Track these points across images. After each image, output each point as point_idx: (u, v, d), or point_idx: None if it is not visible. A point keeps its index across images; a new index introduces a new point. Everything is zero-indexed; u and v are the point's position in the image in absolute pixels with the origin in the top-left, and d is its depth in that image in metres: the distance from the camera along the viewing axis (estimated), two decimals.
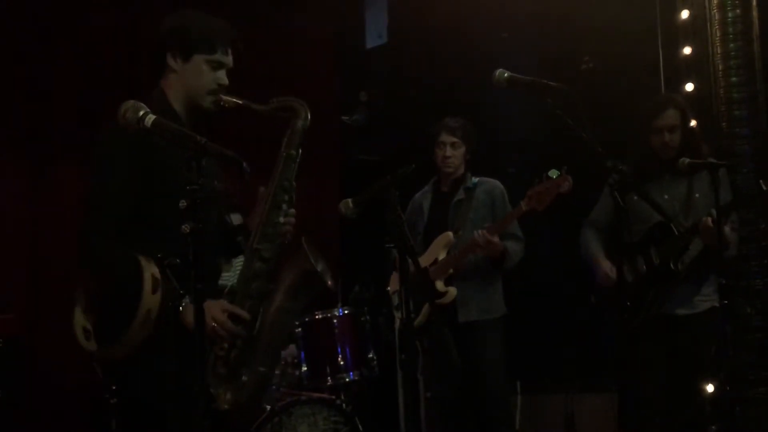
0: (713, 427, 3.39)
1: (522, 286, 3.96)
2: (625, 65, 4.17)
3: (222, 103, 2.11)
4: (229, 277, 2.94)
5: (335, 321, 3.40)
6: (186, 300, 1.92)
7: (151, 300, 1.90)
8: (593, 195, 3.37)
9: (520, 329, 3.73)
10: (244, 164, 2.26)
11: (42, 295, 3.86)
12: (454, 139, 3.49)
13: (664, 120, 3.12)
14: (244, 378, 2.04)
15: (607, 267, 3.14)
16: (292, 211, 2.14)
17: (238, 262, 2.47)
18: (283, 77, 4.38)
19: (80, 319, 2.02)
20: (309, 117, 2.15)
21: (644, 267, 3.11)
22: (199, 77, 2.09)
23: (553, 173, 3.13)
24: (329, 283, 2.14)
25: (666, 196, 3.13)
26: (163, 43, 2.11)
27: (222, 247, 2.26)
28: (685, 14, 3.94)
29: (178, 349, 1.84)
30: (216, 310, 1.99)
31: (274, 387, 3.29)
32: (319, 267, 2.13)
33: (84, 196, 2.05)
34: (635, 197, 3.02)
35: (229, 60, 2.14)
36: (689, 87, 3.90)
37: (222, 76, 2.12)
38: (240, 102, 2.12)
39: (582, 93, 3.83)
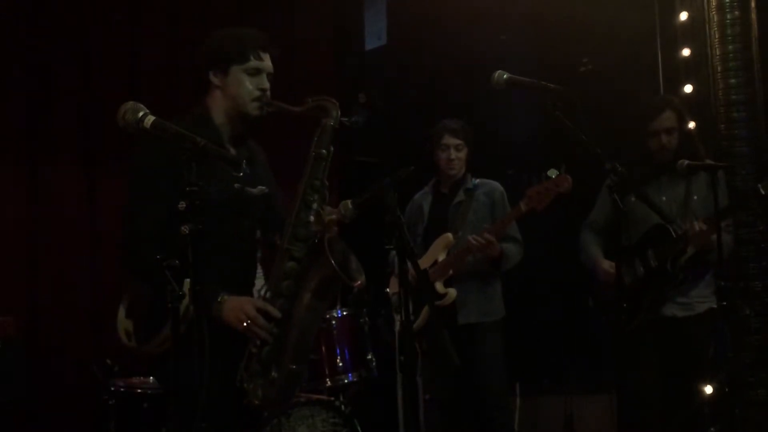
0: (712, 429, 3.39)
1: (521, 288, 3.96)
2: (624, 67, 4.17)
3: (266, 108, 2.19)
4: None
5: (334, 322, 3.39)
6: (224, 297, 2.03)
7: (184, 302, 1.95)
8: (593, 196, 3.38)
9: (519, 331, 3.73)
10: (243, 164, 2.29)
11: (40, 298, 3.86)
12: (458, 142, 3.49)
13: (661, 122, 3.13)
14: (274, 374, 2.09)
15: (607, 265, 3.14)
16: (329, 209, 2.18)
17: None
18: (282, 79, 4.37)
19: (123, 322, 2.12)
20: (339, 116, 2.21)
21: (642, 269, 3.11)
22: (241, 87, 2.19)
23: (552, 173, 3.14)
24: (358, 282, 2.17)
25: (664, 198, 3.14)
26: (203, 65, 2.23)
27: (253, 257, 2.30)
28: (683, 16, 3.95)
29: (213, 344, 1.89)
30: (249, 306, 2.07)
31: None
32: (349, 265, 2.16)
33: (124, 204, 2.15)
34: (633, 199, 3.03)
35: (265, 64, 2.23)
36: (688, 89, 3.91)
37: (262, 81, 2.21)
38: (280, 106, 2.20)
39: (581, 95, 3.85)
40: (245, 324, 2.05)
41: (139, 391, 3.11)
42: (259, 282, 2.85)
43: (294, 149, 2.40)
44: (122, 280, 2.21)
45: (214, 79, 2.21)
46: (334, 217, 2.19)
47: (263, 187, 2.27)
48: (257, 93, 2.19)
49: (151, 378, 3.18)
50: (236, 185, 2.18)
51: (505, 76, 2.44)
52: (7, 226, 3.85)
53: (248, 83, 2.18)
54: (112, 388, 3.16)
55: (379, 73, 5.12)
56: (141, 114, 1.78)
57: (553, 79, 2.44)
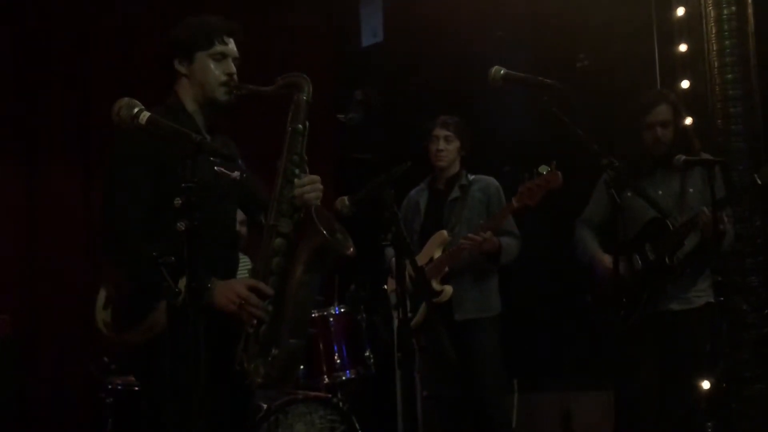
0: (709, 424, 3.40)
1: (518, 284, 3.96)
2: (620, 63, 4.16)
3: (235, 92, 2.16)
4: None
5: (331, 319, 3.39)
6: (214, 282, 2.01)
7: None
8: (589, 191, 3.38)
9: (516, 327, 3.73)
10: (240, 161, 2.29)
11: (36, 296, 3.86)
12: (447, 133, 3.50)
13: (656, 116, 3.13)
14: (274, 352, 2.08)
15: (606, 260, 3.14)
16: (314, 177, 2.15)
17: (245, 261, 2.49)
18: (278, 75, 4.37)
19: (100, 312, 2.10)
20: (311, 90, 2.18)
21: (640, 263, 3.11)
22: (207, 72, 2.16)
23: (543, 169, 3.15)
24: (350, 251, 2.15)
25: (660, 192, 3.14)
26: (167, 54, 2.20)
27: (236, 241, 2.29)
28: (680, 11, 3.94)
29: (205, 331, 1.86)
30: (240, 287, 2.05)
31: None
32: (336, 234, 2.14)
33: (103, 198, 2.11)
34: (629, 194, 3.02)
35: (230, 49, 2.21)
36: (685, 84, 3.91)
37: (228, 65, 2.18)
38: (249, 88, 2.17)
39: (577, 90, 3.86)
40: (239, 305, 2.03)
41: (136, 388, 3.10)
42: (244, 270, 2.85)
43: (273, 132, 2.36)
44: (100, 270, 2.18)
45: (180, 68, 2.18)
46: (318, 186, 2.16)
47: (238, 172, 2.25)
48: (224, 78, 2.16)
49: None
50: (216, 168, 2.16)
51: (501, 72, 2.44)
52: (5, 223, 3.85)
53: (214, 68, 2.16)
54: (110, 386, 3.16)
55: (375, 70, 5.11)
56: (136, 110, 1.77)
57: (550, 75, 2.43)
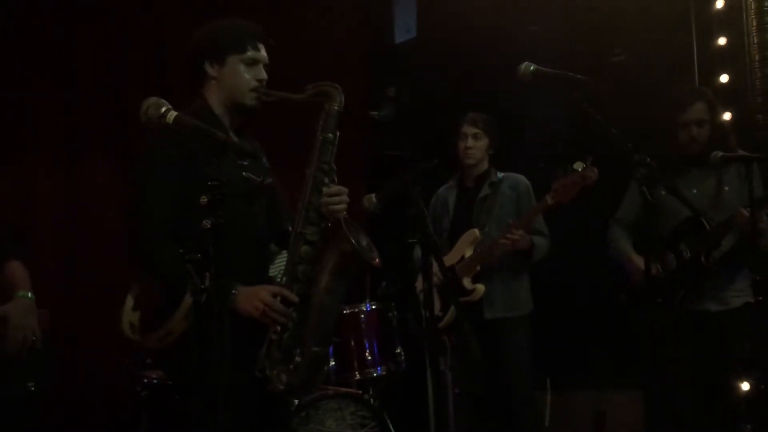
0: (748, 426, 3.31)
1: (552, 283, 3.91)
2: (657, 57, 4.08)
3: (263, 98, 2.18)
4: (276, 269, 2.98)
5: (362, 316, 3.40)
6: (238, 287, 2.03)
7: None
8: (622, 188, 3.33)
9: (549, 326, 3.69)
10: (264, 159, 2.31)
11: (76, 290, 3.95)
12: (476, 130, 3.48)
13: (691, 114, 3.06)
14: (297, 359, 2.09)
15: (639, 262, 3.09)
16: (341, 188, 2.17)
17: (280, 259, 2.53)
18: (311, 73, 4.39)
19: (128, 314, 2.12)
20: (343, 100, 2.19)
21: (675, 262, 3.05)
22: (237, 77, 2.18)
23: (578, 165, 3.10)
24: (375, 261, 2.16)
25: (695, 191, 3.07)
26: (197, 54, 2.21)
27: (269, 239, 2.31)
28: (719, 4, 3.85)
29: (230, 334, 1.90)
30: (264, 293, 2.07)
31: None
32: (363, 244, 2.16)
33: (130, 198, 2.16)
34: (663, 192, 2.97)
35: (261, 55, 2.22)
36: (724, 78, 3.81)
37: (259, 71, 2.20)
38: (279, 95, 2.18)
39: (612, 86, 3.79)
40: (262, 310, 2.05)
41: (170, 383, 3.15)
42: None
43: (299, 138, 2.38)
44: (130, 271, 2.21)
45: (210, 70, 2.19)
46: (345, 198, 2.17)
47: (269, 178, 2.28)
48: (254, 83, 2.18)
49: None
50: (244, 174, 2.19)
51: (531, 67, 2.41)
52: (45, 220, 3.95)
53: (245, 73, 2.17)
54: (145, 380, 3.22)
55: (408, 67, 5.10)
56: (164, 109, 1.80)
57: (584, 70, 2.40)
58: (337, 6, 4.87)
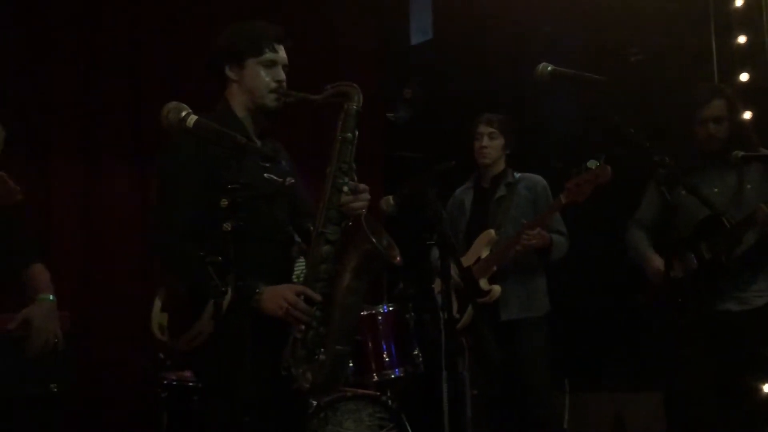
0: None
1: (570, 283, 3.90)
2: (675, 56, 4.05)
3: (283, 99, 2.20)
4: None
5: (380, 318, 3.40)
6: (262, 287, 2.05)
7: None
8: (640, 188, 3.31)
9: (568, 327, 3.67)
10: (283, 162, 2.32)
11: (94, 293, 3.99)
12: (491, 130, 3.47)
13: (709, 111, 3.03)
14: (321, 357, 2.11)
15: (658, 263, 3.07)
16: (362, 186, 2.18)
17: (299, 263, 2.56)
18: (327, 74, 4.42)
19: (158, 316, 2.16)
20: (361, 99, 2.20)
21: (695, 262, 3.02)
22: (257, 79, 2.20)
23: (592, 164, 3.09)
24: (396, 259, 2.17)
25: (715, 189, 3.04)
26: (218, 59, 2.24)
27: (292, 240, 2.33)
28: (738, 2, 3.82)
29: (256, 335, 1.94)
30: (288, 292, 2.09)
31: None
32: (384, 242, 2.17)
33: (155, 201, 2.18)
34: (683, 192, 2.94)
35: (280, 56, 2.24)
36: (744, 77, 3.78)
37: (278, 73, 2.22)
38: (298, 95, 2.20)
39: (630, 85, 3.77)
40: (285, 309, 2.07)
41: (190, 384, 3.17)
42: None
43: (319, 139, 2.39)
44: (158, 274, 2.24)
45: (230, 74, 2.23)
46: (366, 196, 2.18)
47: (290, 178, 2.30)
48: (274, 85, 2.20)
49: None
50: (266, 175, 2.21)
51: (549, 68, 2.40)
52: (64, 223, 3.99)
53: (264, 75, 2.20)
54: (164, 382, 3.24)
55: (425, 68, 5.10)
56: (184, 114, 1.82)
57: (602, 70, 2.39)
58: (353, 8, 4.88)
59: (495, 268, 3.36)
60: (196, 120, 1.81)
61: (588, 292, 4.23)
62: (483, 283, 3.34)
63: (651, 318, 3.17)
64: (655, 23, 4.07)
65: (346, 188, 2.15)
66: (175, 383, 3.22)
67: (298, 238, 2.31)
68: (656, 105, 3.86)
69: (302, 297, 2.10)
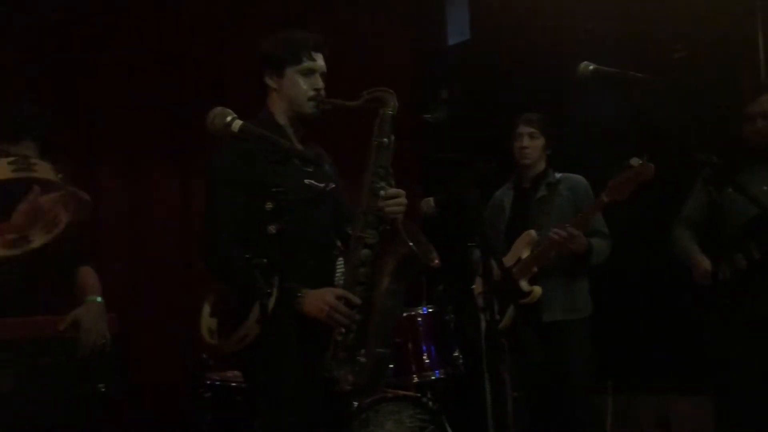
0: None
1: (615, 283, 3.84)
2: (720, 51, 3.96)
3: (321, 106, 2.25)
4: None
5: (419, 319, 3.40)
6: (304, 291, 2.09)
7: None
8: (687, 186, 3.25)
9: (611, 328, 3.62)
10: (326, 166, 2.35)
11: (140, 295, 4.07)
12: (531, 130, 3.44)
13: (757, 106, 2.97)
14: (362, 360, 2.15)
15: (704, 264, 3.01)
16: (398, 191, 2.20)
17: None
18: (364, 76, 4.43)
19: (207, 320, 2.20)
20: (397, 104, 2.23)
21: (744, 262, 2.96)
22: (296, 87, 2.26)
23: (635, 162, 3.04)
24: (435, 262, 2.18)
25: (765, 187, 2.97)
26: (259, 69, 2.30)
27: (333, 243, 2.36)
28: None
29: (300, 337, 1.98)
30: (328, 295, 2.13)
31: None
32: (422, 246, 2.18)
33: (204, 207, 2.23)
34: (730, 190, 2.88)
35: (318, 64, 2.29)
36: None
37: (316, 81, 2.27)
38: (336, 102, 2.25)
39: (674, 82, 3.70)
40: (326, 312, 2.10)
41: (233, 384, 3.22)
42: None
43: (357, 144, 2.42)
44: (207, 278, 2.28)
45: (270, 82, 2.29)
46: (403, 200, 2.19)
47: (331, 183, 2.33)
48: (312, 93, 2.25)
49: None
50: (306, 181, 2.24)
51: (591, 67, 2.37)
52: (111, 228, 4.08)
53: (303, 84, 2.25)
54: (208, 382, 3.28)
55: (462, 69, 5.09)
56: (229, 119, 1.86)
57: (644, 67, 2.35)
58: (389, 9, 4.89)
59: (536, 269, 3.33)
60: (242, 125, 1.84)
61: (633, 292, 4.17)
62: (524, 285, 3.32)
63: (698, 318, 3.11)
64: (699, 18, 3.99)
65: (382, 192, 2.18)
66: (218, 383, 3.27)
67: (339, 242, 2.34)
68: (701, 102, 3.78)
69: (342, 300, 2.13)
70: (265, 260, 1.77)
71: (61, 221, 1.65)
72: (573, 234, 3.18)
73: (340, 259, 2.34)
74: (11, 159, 1.54)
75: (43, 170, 1.58)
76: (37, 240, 1.61)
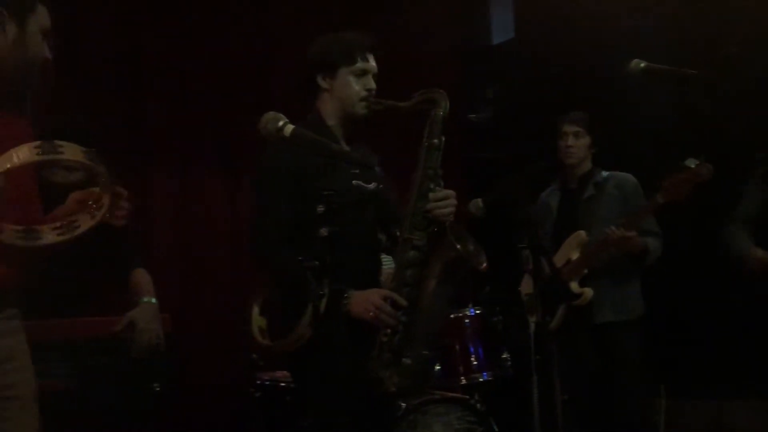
0: None
1: (667, 284, 3.76)
2: None
3: (373, 107, 2.26)
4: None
5: (467, 321, 3.39)
6: (351, 292, 2.10)
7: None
8: (738, 185, 3.16)
9: (666, 329, 3.55)
10: (377, 169, 2.36)
11: (191, 296, 4.15)
12: (577, 129, 3.40)
13: None
14: (407, 361, 2.15)
15: (760, 254, 2.92)
16: (448, 192, 2.20)
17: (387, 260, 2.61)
18: (408, 75, 4.43)
19: (257, 319, 2.23)
20: (448, 106, 2.22)
21: None
22: (348, 88, 2.27)
23: (691, 162, 2.97)
24: (483, 266, 2.17)
25: None
26: (311, 69, 2.32)
27: (380, 245, 2.37)
28: None
29: (347, 338, 2.01)
30: (375, 296, 2.14)
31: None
32: (470, 249, 2.18)
33: (253, 208, 2.28)
34: None
35: (370, 65, 2.30)
36: None
37: (369, 81, 2.29)
38: (387, 103, 2.26)
39: (729, 80, 3.60)
40: (373, 313, 2.11)
41: (282, 384, 3.25)
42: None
43: (408, 144, 2.42)
44: (256, 278, 2.31)
45: (323, 83, 2.30)
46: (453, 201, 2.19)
47: (380, 184, 2.33)
48: (364, 93, 2.26)
49: None
50: (354, 182, 2.25)
51: (642, 64, 2.34)
52: (163, 230, 4.17)
53: (355, 84, 2.26)
54: (258, 382, 3.33)
55: (507, 68, 5.05)
56: (281, 123, 1.89)
57: (695, 63, 2.30)
58: (433, 8, 4.88)
59: (586, 270, 3.29)
60: (293, 129, 1.86)
61: (686, 292, 4.07)
62: (573, 286, 3.28)
63: (757, 320, 3.03)
64: (751, 13, 3.88)
65: (432, 194, 2.17)
66: (268, 383, 3.31)
67: (387, 244, 2.34)
68: (754, 99, 3.67)
69: (389, 301, 2.13)
70: (316, 262, 1.78)
71: (104, 204, 1.68)
72: (627, 236, 3.13)
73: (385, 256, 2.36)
74: (37, 143, 1.56)
75: (71, 151, 1.59)
76: (84, 225, 1.65)
